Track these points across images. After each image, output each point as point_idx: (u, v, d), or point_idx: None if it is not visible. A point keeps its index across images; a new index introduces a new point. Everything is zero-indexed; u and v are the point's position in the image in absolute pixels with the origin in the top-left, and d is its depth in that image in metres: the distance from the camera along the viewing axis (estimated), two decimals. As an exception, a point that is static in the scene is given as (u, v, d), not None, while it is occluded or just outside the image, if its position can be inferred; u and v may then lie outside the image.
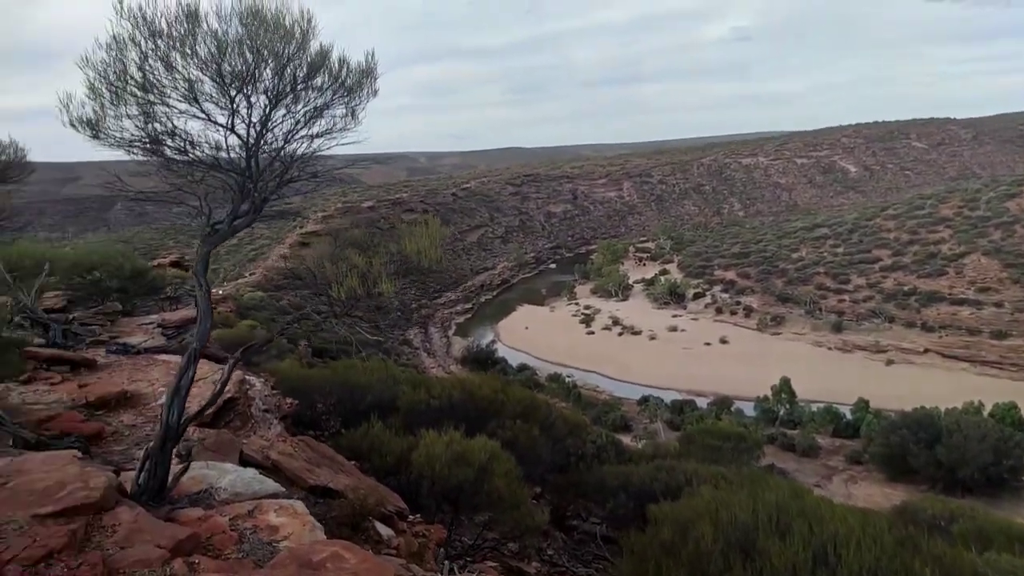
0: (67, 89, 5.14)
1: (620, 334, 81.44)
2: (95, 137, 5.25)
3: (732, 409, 52.65)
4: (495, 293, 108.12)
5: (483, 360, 63.07)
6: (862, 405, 48.96)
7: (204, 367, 10.38)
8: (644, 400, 56.32)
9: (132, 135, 5.73)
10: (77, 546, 3.97)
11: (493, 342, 74.57)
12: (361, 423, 12.79)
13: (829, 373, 61.97)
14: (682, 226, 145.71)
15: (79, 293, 17.80)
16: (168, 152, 6.00)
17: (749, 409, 53.08)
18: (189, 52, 5.28)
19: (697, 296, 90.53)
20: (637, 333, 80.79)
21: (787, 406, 50.78)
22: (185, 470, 5.13)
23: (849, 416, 47.50)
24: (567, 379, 60.83)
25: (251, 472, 5.97)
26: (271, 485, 5.78)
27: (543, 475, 14.29)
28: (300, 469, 7.45)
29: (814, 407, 50.30)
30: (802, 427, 46.49)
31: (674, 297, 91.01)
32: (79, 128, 5.15)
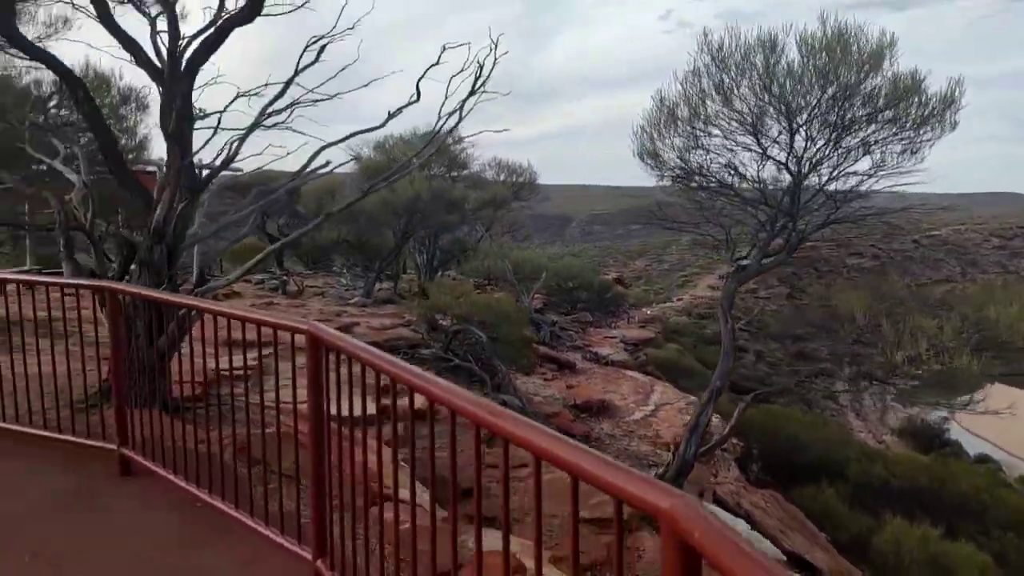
0: (638, 124, 5.53)
1: None
2: (656, 168, 5.53)
3: None
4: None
5: (928, 438, 53.26)
6: None
7: (669, 392, 10.58)
8: None
9: (679, 165, 5.88)
10: (610, 563, 4.07)
11: (946, 419, 62.43)
12: (797, 478, 11.70)
13: None
14: None
15: (553, 298, 20.43)
16: (703, 183, 6.01)
17: None
18: (759, 84, 5.15)
19: None
20: None
21: None
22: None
23: None
24: (1051, 488, 47.23)
25: (743, 524, 5.63)
26: (772, 550, 5.32)
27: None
28: (774, 529, 6.85)
29: None
30: None
31: None
32: (645, 159, 5.48)
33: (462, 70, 4.95)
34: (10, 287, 4.60)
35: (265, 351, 4.58)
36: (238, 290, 13.59)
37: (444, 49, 5.92)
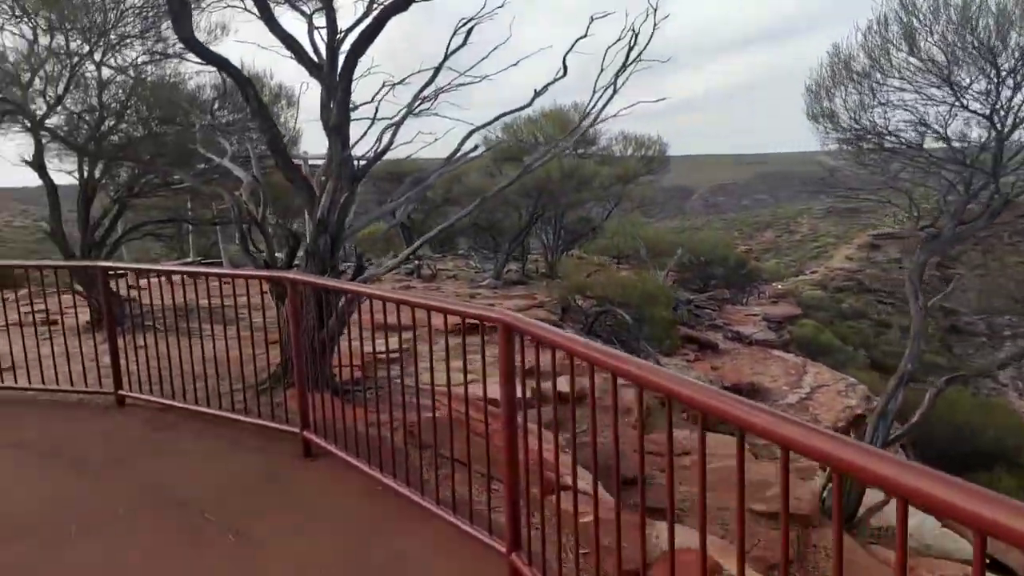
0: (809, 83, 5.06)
1: None
2: (833, 129, 5.06)
3: None
4: None
5: (1114, 421, 47.14)
6: None
7: (824, 373, 9.88)
8: None
9: (852, 126, 5.36)
10: (799, 561, 3.79)
11: None
12: (966, 466, 10.72)
13: None
14: None
15: (685, 275, 19.75)
16: (880, 143, 5.44)
17: None
18: (954, 27, 4.55)
19: None
20: None
21: None
22: (885, 503, 4.58)
23: None
24: None
25: (932, 521, 5.11)
26: (964, 546, 4.80)
27: None
28: (961, 524, 6.21)
29: None
30: None
31: None
32: (820, 121, 5.03)
33: (619, 39, 4.71)
34: (182, 278, 4.95)
35: (408, 334, 4.57)
36: (378, 275, 14.08)
37: (592, 20, 5.71)
